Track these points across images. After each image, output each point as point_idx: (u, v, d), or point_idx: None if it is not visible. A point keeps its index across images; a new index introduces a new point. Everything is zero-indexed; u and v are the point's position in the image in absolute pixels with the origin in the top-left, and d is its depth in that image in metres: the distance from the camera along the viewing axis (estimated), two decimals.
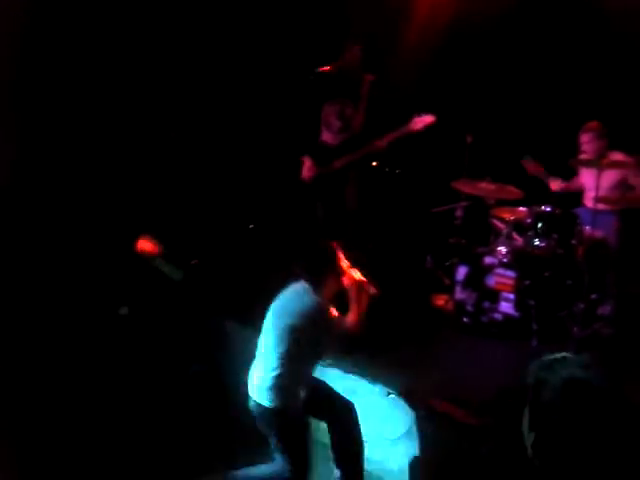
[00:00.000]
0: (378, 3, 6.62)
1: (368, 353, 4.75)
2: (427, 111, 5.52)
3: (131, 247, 5.34)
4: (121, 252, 5.26)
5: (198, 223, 6.42)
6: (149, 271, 5.23)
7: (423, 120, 5.43)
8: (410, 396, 4.24)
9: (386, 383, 4.37)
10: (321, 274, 3.68)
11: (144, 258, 5.33)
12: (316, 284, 3.65)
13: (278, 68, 6.54)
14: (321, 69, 5.86)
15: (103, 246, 5.52)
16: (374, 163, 6.69)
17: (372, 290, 3.80)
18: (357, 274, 3.78)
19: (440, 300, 5.72)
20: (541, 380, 1.78)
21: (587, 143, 5.45)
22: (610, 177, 5.30)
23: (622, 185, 5.45)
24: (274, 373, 3.60)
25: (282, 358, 3.59)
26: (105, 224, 5.79)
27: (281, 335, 3.61)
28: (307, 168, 5.67)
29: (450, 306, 5.55)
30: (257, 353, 3.79)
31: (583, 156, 5.49)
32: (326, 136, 5.66)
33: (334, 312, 3.68)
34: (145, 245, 5.45)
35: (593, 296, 5.19)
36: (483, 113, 6.42)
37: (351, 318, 3.67)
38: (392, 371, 4.56)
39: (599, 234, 5.31)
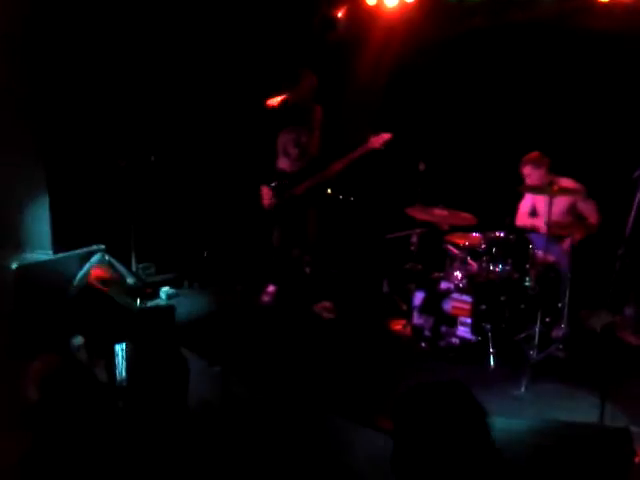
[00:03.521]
0: (330, 32, 6.76)
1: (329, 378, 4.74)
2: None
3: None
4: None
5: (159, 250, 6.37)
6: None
7: (381, 138, 5.56)
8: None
9: (345, 408, 4.35)
10: None
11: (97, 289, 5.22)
12: None
13: (230, 97, 6.56)
14: (270, 101, 5.87)
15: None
16: (328, 191, 6.76)
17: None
18: None
19: (397, 325, 5.76)
20: None
21: (529, 174, 5.65)
22: (561, 203, 5.48)
23: (572, 211, 5.65)
24: None
25: None
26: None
27: None
28: (266, 196, 5.70)
29: (408, 331, 5.60)
30: None
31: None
32: (283, 164, 5.72)
33: None
34: (98, 274, 5.34)
35: (547, 319, 5.31)
36: (435, 140, 6.56)
37: None
38: (352, 396, 4.55)
39: (551, 258, 5.45)
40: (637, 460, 3.27)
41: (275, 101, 5.81)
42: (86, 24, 5.86)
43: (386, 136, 5.59)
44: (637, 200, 3.95)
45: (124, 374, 4.49)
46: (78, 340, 4.88)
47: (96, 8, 5.87)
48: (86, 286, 5.15)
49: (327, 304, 5.93)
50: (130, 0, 6.14)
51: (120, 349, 4.55)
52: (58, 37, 5.71)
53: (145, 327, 4.73)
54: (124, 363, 4.53)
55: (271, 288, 6.10)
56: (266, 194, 5.70)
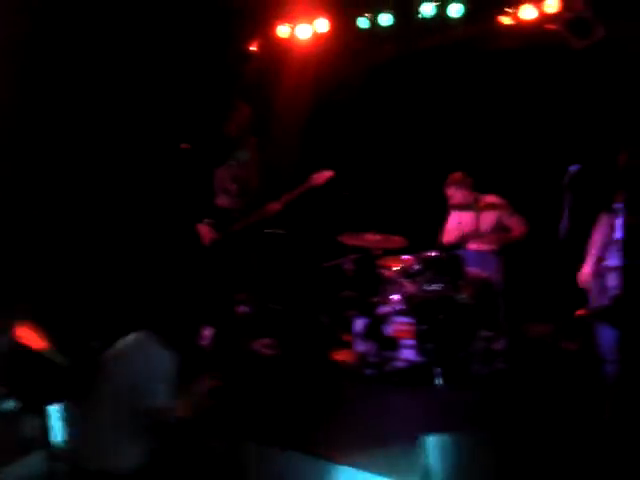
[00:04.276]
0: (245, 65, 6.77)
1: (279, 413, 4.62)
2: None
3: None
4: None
5: (92, 303, 6.06)
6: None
7: (322, 175, 5.50)
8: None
9: (301, 444, 4.24)
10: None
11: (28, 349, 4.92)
12: None
13: (160, 133, 6.41)
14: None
15: None
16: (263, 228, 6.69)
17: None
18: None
19: (340, 355, 5.70)
20: None
21: (453, 195, 5.80)
22: (487, 219, 5.62)
23: (498, 226, 5.79)
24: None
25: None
26: None
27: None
28: (206, 234, 5.58)
29: (351, 359, 5.55)
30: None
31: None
32: (222, 200, 5.61)
33: None
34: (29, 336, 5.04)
35: (487, 334, 5.38)
36: (360, 167, 6.62)
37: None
38: (304, 431, 4.44)
39: (484, 274, 5.55)
40: None
41: (205, 137, 5.70)
42: None
43: (328, 174, 5.52)
44: (568, 206, 4.08)
45: (61, 436, 4.24)
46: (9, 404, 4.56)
47: None
48: (11, 343, 4.83)
49: (267, 341, 5.81)
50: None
51: (55, 410, 4.30)
52: None
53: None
54: (61, 424, 4.28)
55: (207, 331, 5.92)
56: (204, 231, 5.58)
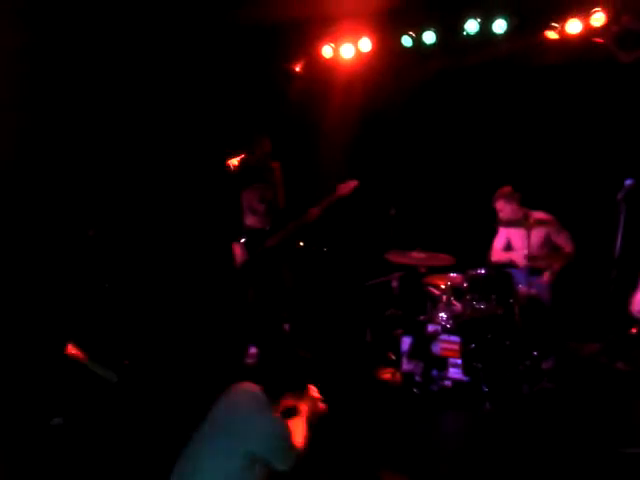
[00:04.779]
0: (289, 86, 6.84)
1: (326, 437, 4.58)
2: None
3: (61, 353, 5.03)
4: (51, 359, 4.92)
5: (127, 321, 6.15)
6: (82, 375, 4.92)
7: (348, 185, 5.57)
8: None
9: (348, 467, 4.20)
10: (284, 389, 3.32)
11: (75, 362, 5.03)
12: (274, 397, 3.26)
13: (189, 158, 6.53)
14: (230, 161, 5.87)
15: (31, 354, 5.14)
16: (301, 243, 6.72)
17: (322, 408, 3.51)
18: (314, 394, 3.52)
19: (386, 374, 5.65)
20: None
21: (502, 209, 5.72)
22: (537, 236, 5.53)
23: (547, 243, 5.69)
24: None
25: None
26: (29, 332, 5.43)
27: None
28: (239, 254, 5.66)
29: (397, 378, 5.49)
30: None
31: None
32: (251, 220, 5.72)
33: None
34: (73, 350, 5.15)
35: (535, 353, 5.27)
36: (405, 185, 6.61)
37: (300, 439, 3.25)
38: (353, 453, 4.39)
39: (533, 291, 5.45)
40: None
41: (235, 161, 5.83)
42: None
43: (353, 183, 5.60)
44: (623, 221, 3.99)
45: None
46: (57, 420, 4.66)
47: None
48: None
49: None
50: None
51: None
52: None
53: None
54: None
55: (253, 350, 5.96)
56: (237, 251, 5.67)
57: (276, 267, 5.69)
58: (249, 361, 5.95)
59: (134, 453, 4.56)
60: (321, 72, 6.79)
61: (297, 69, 6.84)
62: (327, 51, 6.67)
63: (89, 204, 6.20)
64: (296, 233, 5.73)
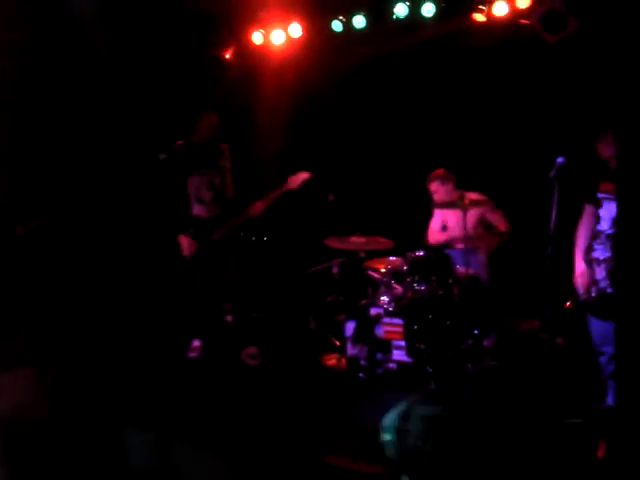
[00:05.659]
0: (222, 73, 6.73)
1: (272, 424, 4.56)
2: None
3: None
4: None
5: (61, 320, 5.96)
6: None
7: (299, 177, 5.44)
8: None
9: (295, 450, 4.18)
10: None
11: None
12: None
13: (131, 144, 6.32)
14: (177, 143, 5.66)
15: None
16: (241, 234, 6.64)
17: None
18: None
19: (331, 360, 5.66)
20: (401, 431, 1.87)
21: (436, 190, 5.79)
22: (472, 216, 5.61)
23: (482, 222, 5.80)
24: None
25: None
26: None
27: None
28: (187, 245, 5.50)
29: (343, 363, 5.51)
30: None
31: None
32: (198, 210, 5.52)
33: None
34: None
35: (476, 331, 5.36)
36: (341, 170, 6.60)
37: None
38: (300, 439, 4.38)
39: (471, 271, 5.54)
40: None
41: (177, 145, 5.59)
42: None
43: (304, 176, 5.46)
44: (556, 199, 4.08)
45: None
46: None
47: None
48: None
49: (252, 350, 5.72)
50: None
51: None
52: None
53: None
54: None
55: (196, 343, 5.86)
56: (185, 243, 5.50)
57: (222, 260, 5.57)
58: (192, 355, 5.87)
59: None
60: (252, 59, 6.71)
61: (227, 56, 6.73)
62: (257, 37, 6.59)
63: (16, 198, 5.93)
64: (241, 227, 5.59)
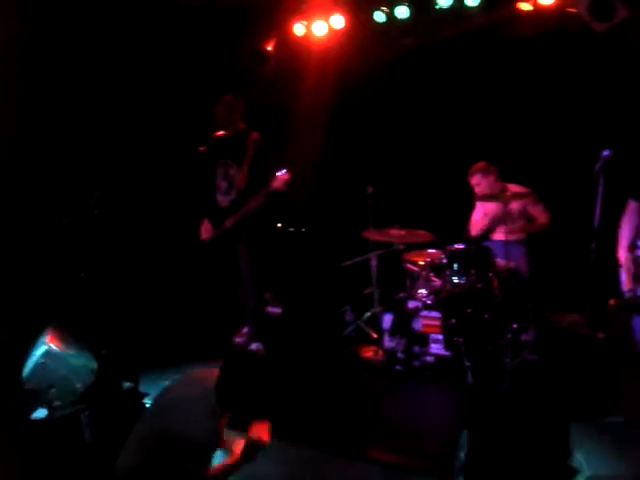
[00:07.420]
0: (260, 66, 6.73)
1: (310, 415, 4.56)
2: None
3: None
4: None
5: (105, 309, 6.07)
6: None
7: (280, 179, 5.33)
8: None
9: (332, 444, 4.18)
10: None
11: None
12: None
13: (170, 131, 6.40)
14: (217, 134, 5.68)
15: None
16: (279, 225, 6.66)
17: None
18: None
19: (368, 352, 5.64)
20: None
21: (478, 183, 5.72)
22: (514, 208, 5.52)
23: (524, 215, 5.70)
24: None
25: None
26: None
27: None
28: (204, 230, 5.67)
29: (380, 356, 5.48)
30: None
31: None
32: (218, 198, 5.63)
33: None
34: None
35: (514, 325, 5.28)
36: (382, 162, 6.55)
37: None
38: (337, 431, 4.38)
39: (512, 264, 5.46)
40: None
41: (214, 137, 5.63)
42: None
43: (284, 177, 5.34)
44: (601, 192, 3.98)
45: None
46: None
47: None
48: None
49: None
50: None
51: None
52: None
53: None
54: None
55: (245, 329, 5.91)
56: (204, 227, 5.65)
57: (232, 248, 5.62)
58: (238, 340, 5.91)
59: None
60: (293, 51, 6.70)
61: (269, 48, 6.73)
62: (299, 29, 6.57)
63: (64, 189, 6.06)
64: (247, 218, 5.57)
